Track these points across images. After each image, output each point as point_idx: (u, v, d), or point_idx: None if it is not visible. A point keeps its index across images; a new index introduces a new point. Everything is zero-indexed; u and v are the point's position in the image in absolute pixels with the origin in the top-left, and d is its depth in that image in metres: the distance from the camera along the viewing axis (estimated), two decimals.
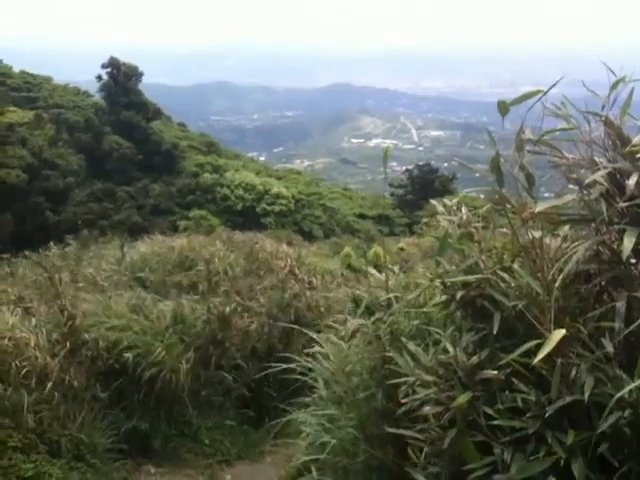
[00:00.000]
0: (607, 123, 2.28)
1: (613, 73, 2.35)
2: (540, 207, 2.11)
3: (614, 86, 2.32)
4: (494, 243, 2.38)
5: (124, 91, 53.52)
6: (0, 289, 7.34)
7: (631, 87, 2.35)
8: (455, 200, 2.58)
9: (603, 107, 2.32)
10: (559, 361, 1.98)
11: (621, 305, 2.08)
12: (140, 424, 6.20)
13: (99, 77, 54.38)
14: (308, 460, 4.09)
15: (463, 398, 1.99)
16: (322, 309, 7.65)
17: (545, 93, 2.18)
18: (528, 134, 2.31)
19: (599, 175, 2.15)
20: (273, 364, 7.07)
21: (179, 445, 6.41)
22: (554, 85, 2.22)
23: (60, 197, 44.36)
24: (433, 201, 2.63)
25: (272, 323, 7.32)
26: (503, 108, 2.15)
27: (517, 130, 2.30)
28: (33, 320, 6.19)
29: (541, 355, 1.85)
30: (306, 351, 4.50)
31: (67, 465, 5.63)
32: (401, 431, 2.35)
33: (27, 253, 10.84)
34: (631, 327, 2.00)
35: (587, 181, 2.14)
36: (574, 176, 2.25)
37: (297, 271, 8.75)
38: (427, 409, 2.10)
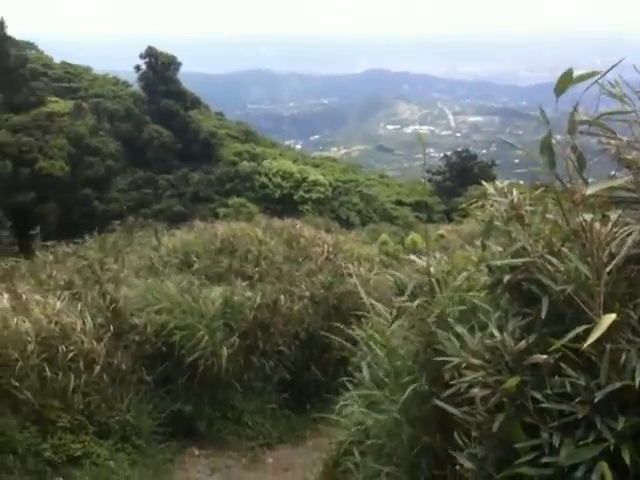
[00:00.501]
0: None
1: None
2: (592, 189, 2.08)
3: None
4: (543, 227, 2.35)
5: (162, 80, 54.13)
6: (47, 275, 7.54)
7: None
8: (506, 182, 2.56)
9: None
10: (608, 346, 1.96)
11: None
12: (185, 407, 6.34)
13: (137, 67, 55.08)
14: (350, 443, 4.14)
15: (512, 381, 2.00)
16: (361, 295, 7.65)
17: (604, 75, 2.14)
18: (581, 115, 2.27)
19: None
20: (314, 349, 7.21)
21: (222, 428, 6.53)
22: (614, 67, 2.17)
23: (102, 183, 45.17)
24: (485, 183, 2.60)
25: (314, 309, 7.38)
26: (561, 87, 2.10)
27: (570, 111, 2.26)
28: (79, 305, 6.36)
29: (591, 340, 1.84)
30: (347, 338, 4.53)
31: (114, 446, 5.80)
32: (448, 407, 2.35)
33: (73, 241, 11.13)
34: None
35: None
36: (627, 157, 2.21)
37: (335, 257, 8.77)
38: (475, 391, 2.10)
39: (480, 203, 2.65)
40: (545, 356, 2.03)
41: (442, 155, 64.95)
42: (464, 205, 2.83)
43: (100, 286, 6.79)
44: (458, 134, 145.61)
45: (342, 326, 5.22)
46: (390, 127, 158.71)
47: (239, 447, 6.43)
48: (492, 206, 2.47)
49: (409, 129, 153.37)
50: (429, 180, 57.68)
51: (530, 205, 2.38)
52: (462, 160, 58.31)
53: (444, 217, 42.07)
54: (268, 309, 7.05)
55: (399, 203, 54.25)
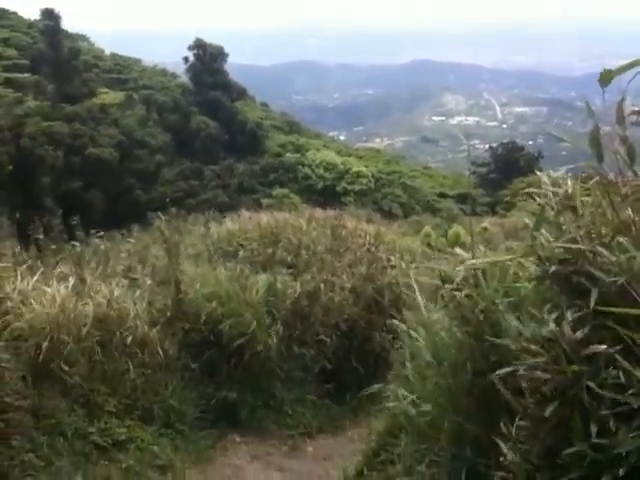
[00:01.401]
0: None
1: None
2: None
3: None
4: (594, 219, 2.31)
5: (210, 72, 54.81)
6: (106, 261, 7.72)
7: None
8: (561, 172, 2.50)
9: None
10: None
11: None
12: (228, 395, 6.42)
13: (186, 59, 55.86)
14: (390, 434, 4.14)
15: (575, 367, 1.99)
16: (402, 287, 7.63)
17: None
18: (628, 105, 2.22)
19: None
20: (355, 340, 7.22)
21: (264, 416, 6.59)
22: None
23: (150, 177, 46.08)
24: (538, 172, 2.56)
25: (355, 300, 7.39)
26: (606, 78, 2.06)
27: (617, 102, 2.20)
28: (138, 291, 6.51)
29: None
30: (389, 329, 4.51)
31: (157, 431, 5.90)
32: (503, 390, 2.33)
33: (120, 230, 11.40)
34: None
35: None
36: None
37: (376, 249, 8.74)
38: (537, 373, 2.08)
39: (527, 195, 2.60)
40: (604, 346, 2.01)
41: (487, 147, 64.02)
42: (510, 198, 2.79)
43: (158, 273, 6.92)
44: (504, 125, 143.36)
45: (383, 317, 5.22)
46: (435, 118, 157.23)
47: (280, 435, 6.48)
48: (543, 197, 2.43)
49: (454, 120, 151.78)
50: (473, 172, 56.95)
51: (587, 196, 2.33)
52: (508, 152, 57.34)
53: (488, 210, 41.53)
54: (309, 298, 7.08)
55: (442, 195, 53.80)
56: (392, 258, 8.67)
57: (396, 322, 4.03)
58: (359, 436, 5.85)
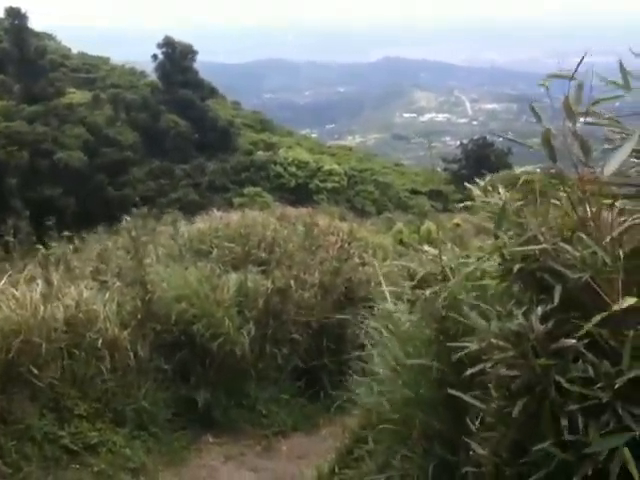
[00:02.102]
0: None
1: None
2: (610, 167, 2.04)
3: None
4: (551, 217, 2.35)
5: (179, 70, 54.34)
6: (74, 264, 7.63)
7: None
8: (489, 182, 2.58)
9: None
10: (631, 333, 1.96)
11: None
12: (200, 395, 6.38)
13: (155, 56, 55.31)
14: (363, 431, 4.16)
15: (544, 361, 2.01)
16: (374, 284, 7.67)
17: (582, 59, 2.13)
18: (576, 101, 2.25)
19: None
20: (327, 338, 7.23)
21: (237, 416, 6.57)
22: (584, 56, 2.16)
23: (118, 172, 45.54)
24: (469, 185, 2.65)
25: (325, 297, 7.40)
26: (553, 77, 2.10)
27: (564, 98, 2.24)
28: (107, 293, 6.44)
29: (619, 305, 1.82)
30: (360, 326, 4.54)
31: (130, 434, 5.86)
32: (462, 395, 2.36)
33: (91, 230, 11.27)
34: None
35: None
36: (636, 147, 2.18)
37: (349, 246, 8.77)
38: (503, 370, 2.11)
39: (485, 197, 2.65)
40: (573, 341, 2.04)
41: (458, 143, 64.60)
42: (468, 203, 2.84)
43: (127, 274, 6.85)
44: (475, 122, 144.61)
45: (354, 314, 5.24)
46: (406, 115, 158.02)
47: (254, 435, 6.47)
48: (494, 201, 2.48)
49: (425, 117, 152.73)
50: (445, 169, 57.43)
51: (540, 195, 2.36)
52: (478, 148, 57.98)
53: (458, 206, 41.82)
54: (280, 296, 7.07)
55: (414, 192, 54.15)
56: (365, 255, 8.71)
57: (367, 319, 4.05)
58: (333, 434, 5.85)
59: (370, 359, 3.80)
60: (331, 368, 7.08)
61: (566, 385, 1.98)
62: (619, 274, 2.03)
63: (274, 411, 6.73)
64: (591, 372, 2.01)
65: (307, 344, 7.11)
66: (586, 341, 2.06)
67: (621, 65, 2.26)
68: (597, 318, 1.95)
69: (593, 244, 2.08)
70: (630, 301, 1.88)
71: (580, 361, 2.07)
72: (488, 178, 2.72)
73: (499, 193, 2.57)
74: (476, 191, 2.66)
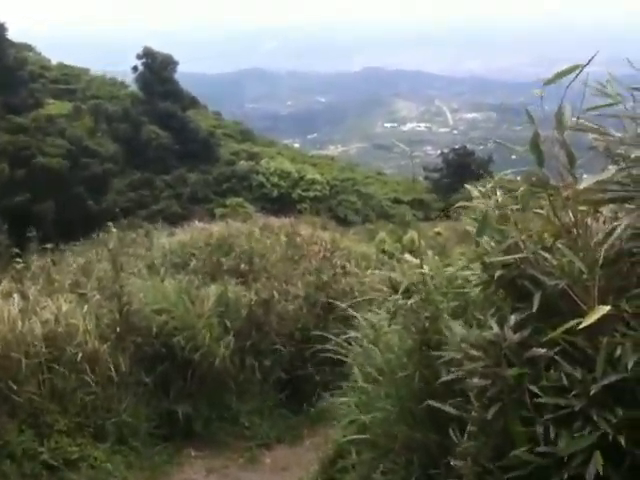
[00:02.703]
0: None
1: None
2: (585, 183, 2.07)
3: None
4: (533, 224, 2.35)
5: (160, 81, 54.09)
6: (53, 277, 7.55)
7: None
8: (490, 185, 2.56)
9: None
10: (604, 340, 1.96)
11: None
12: (182, 408, 6.32)
13: (135, 68, 55.05)
14: (346, 442, 4.13)
15: (515, 371, 2.01)
16: (357, 293, 7.66)
17: (582, 68, 2.12)
18: (568, 111, 2.26)
19: None
20: (310, 349, 7.19)
21: (219, 429, 6.52)
22: (590, 61, 2.15)
23: (100, 185, 45.16)
24: (468, 186, 2.62)
25: (308, 308, 7.38)
26: (547, 83, 2.10)
27: (557, 108, 2.25)
28: (86, 306, 6.35)
29: (585, 323, 1.83)
30: (343, 337, 4.52)
31: (111, 448, 5.79)
32: (441, 405, 2.35)
33: (71, 243, 11.16)
34: None
35: (633, 156, 2.08)
36: (619, 152, 2.19)
37: (332, 256, 8.76)
38: (475, 381, 2.10)
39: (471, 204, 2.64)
40: (544, 350, 2.04)
41: (439, 152, 65.01)
42: (458, 205, 2.82)
43: (106, 287, 6.78)
44: (455, 131, 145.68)
45: (337, 325, 5.22)
46: (387, 125, 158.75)
47: (236, 448, 6.42)
48: (482, 206, 2.48)
49: (406, 127, 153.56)
50: (426, 178, 57.76)
51: (521, 202, 2.37)
52: (459, 157, 58.35)
53: (442, 214, 42.07)
54: (263, 308, 7.04)
55: (397, 201, 54.27)
56: (347, 265, 8.70)
57: (350, 330, 4.04)
58: (317, 445, 5.83)
59: (352, 370, 3.79)
60: (315, 378, 7.03)
61: (539, 394, 1.98)
62: (595, 281, 2.03)
63: (257, 423, 6.68)
64: (565, 380, 2.02)
65: (290, 355, 7.07)
66: (559, 349, 2.07)
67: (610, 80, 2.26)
68: (566, 326, 1.95)
69: (570, 253, 2.09)
70: (603, 309, 1.88)
71: (552, 370, 2.08)
72: (488, 181, 2.70)
73: (496, 195, 2.55)
74: (475, 192, 2.64)
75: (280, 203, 46.01)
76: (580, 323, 1.90)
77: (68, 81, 57.31)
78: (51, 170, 42.03)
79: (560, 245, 2.15)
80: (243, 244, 8.71)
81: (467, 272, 2.62)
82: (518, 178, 2.55)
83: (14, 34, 52.37)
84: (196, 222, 11.58)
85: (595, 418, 1.90)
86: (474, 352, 2.11)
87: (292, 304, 7.28)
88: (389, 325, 3.10)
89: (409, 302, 2.87)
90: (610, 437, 1.86)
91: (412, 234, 18.35)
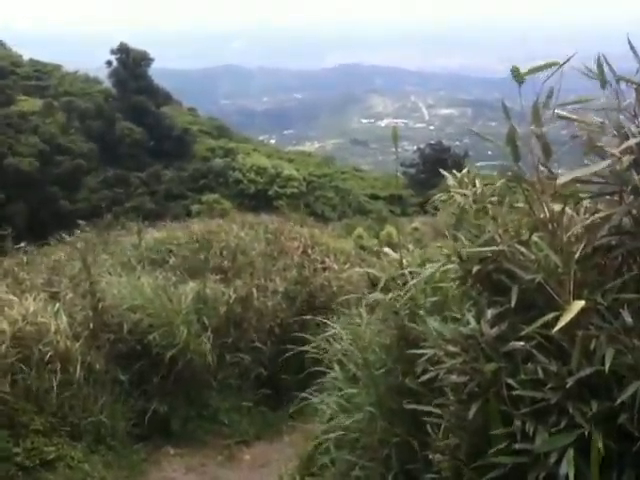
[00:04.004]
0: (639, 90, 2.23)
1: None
2: (564, 178, 2.08)
3: None
4: (511, 218, 2.36)
5: (134, 77, 53.51)
6: (24, 276, 7.44)
7: None
8: (469, 174, 2.57)
9: (637, 72, 2.27)
10: (580, 333, 1.98)
11: None
12: (159, 406, 6.27)
13: (109, 63, 54.40)
14: (325, 438, 4.13)
15: (491, 366, 2.02)
16: (335, 289, 7.67)
17: (562, 65, 2.15)
18: (545, 105, 2.27)
19: (634, 142, 2.10)
20: (289, 345, 7.18)
21: (198, 426, 6.47)
22: (571, 57, 2.17)
23: (72, 182, 44.56)
24: (445, 173, 2.63)
25: (287, 304, 7.36)
26: (519, 75, 2.12)
27: (534, 102, 2.26)
28: (57, 305, 6.26)
29: (560, 325, 1.85)
30: (321, 336, 4.52)
31: (88, 448, 5.72)
32: (418, 406, 2.36)
33: (44, 241, 10.99)
34: None
35: (620, 148, 2.10)
36: (599, 144, 2.21)
37: (310, 252, 8.75)
38: (453, 377, 2.11)
39: (448, 195, 2.65)
40: (521, 343, 2.05)
41: (416, 148, 65.32)
42: (437, 197, 2.83)
43: (79, 285, 6.70)
44: (431, 127, 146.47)
45: (317, 320, 5.22)
46: (364, 121, 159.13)
47: (215, 445, 6.38)
48: (459, 198, 2.48)
49: (383, 122, 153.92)
50: (403, 173, 58.01)
51: (498, 196, 2.38)
52: (435, 152, 58.77)
53: (419, 210, 42.26)
54: (241, 304, 7.01)
55: (374, 197, 54.46)
56: (327, 260, 8.70)
57: (329, 326, 4.04)
58: (296, 441, 5.82)
59: (332, 366, 3.79)
60: (294, 374, 7.03)
61: (516, 387, 2.00)
62: (570, 275, 2.05)
63: (236, 420, 6.65)
64: (541, 373, 2.03)
65: (270, 351, 7.05)
66: (535, 342, 2.08)
67: (599, 60, 2.27)
68: (542, 320, 1.97)
69: (545, 247, 2.10)
70: (578, 305, 1.90)
71: (529, 363, 2.09)
72: (466, 170, 2.71)
73: (475, 186, 2.56)
74: (452, 182, 2.65)
75: (257, 199, 45.93)
76: (556, 317, 1.92)
77: (40, 77, 56.46)
78: (23, 171, 41.37)
79: (536, 239, 2.16)
80: (222, 240, 8.66)
81: (445, 267, 2.63)
82: (495, 173, 2.57)
83: None
84: (171, 219, 11.49)
85: (571, 411, 1.92)
86: (451, 348, 2.11)
87: (271, 300, 7.26)
88: (367, 321, 3.10)
89: (387, 297, 2.88)
90: (586, 433, 1.87)
91: (389, 229, 18.44)
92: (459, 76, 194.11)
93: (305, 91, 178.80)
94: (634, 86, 2.23)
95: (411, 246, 3.52)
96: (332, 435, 3.70)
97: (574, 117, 2.23)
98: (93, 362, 5.99)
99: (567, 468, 1.83)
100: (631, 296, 2.10)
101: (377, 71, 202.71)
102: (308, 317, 7.27)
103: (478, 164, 2.55)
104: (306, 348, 7.00)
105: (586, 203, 2.37)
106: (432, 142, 63.95)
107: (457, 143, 79.91)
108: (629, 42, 2.30)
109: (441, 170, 2.70)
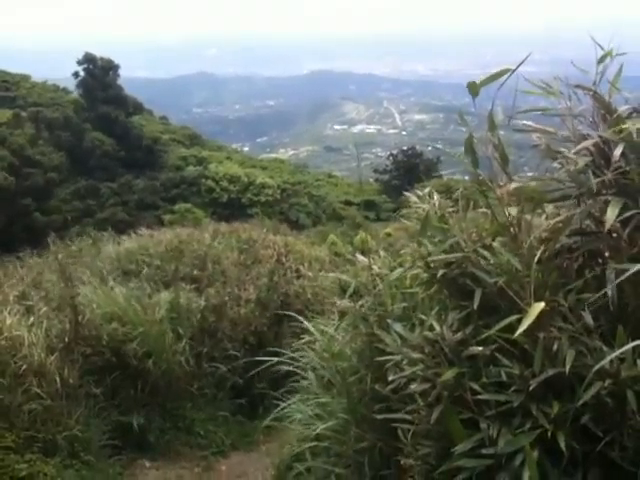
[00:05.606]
0: (595, 97, 2.28)
1: (601, 47, 2.34)
2: (515, 184, 2.14)
3: (601, 60, 2.31)
4: (474, 223, 2.41)
5: (102, 86, 52.87)
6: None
7: (620, 63, 2.36)
8: (427, 189, 2.63)
9: (594, 83, 2.32)
10: (542, 335, 2.01)
11: (610, 272, 2.08)
12: (134, 419, 6.20)
13: (76, 74, 53.69)
14: (301, 447, 4.13)
15: (450, 374, 2.03)
16: (309, 296, 7.68)
17: (513, 71, 2.20)
18: (501, 113, 2.34)
19: (588, 144, 2.15)
20: (264, 354, 7.16)
21: (174, 438, 6.42)
22: (522, 63, 2.22)
23: (43, 195, 43.91)
24: (407, 193, 2.70)
25: (261, 312, 7.36)
26: (474, 89, 2.18)
27: (488, 111, 2.31)
28: (32, 318, 6.16)
29: (522, 328, 1.89)
30: (295, 344, 4.52)
31: (61, 463, 5.61)
32: (387, 415, 2.38)
33: (16, 254, 10.84)
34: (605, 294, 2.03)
35: (574, 150, 2.15)
36: (559, 150, 2.26)
37: (284, 259, 8.76)
38: (414, 387, 2.13)
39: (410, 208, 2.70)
40: (481, 347, 2.08)
41: (388, 154, 65.68)
42: (404, 211, 2.89)
43: (54, 298, 6.61)
44: (404, 132, 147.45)
45: (290, 328, 5.22)
46: (337, 127, 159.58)
47: (191, 457, 6.33)
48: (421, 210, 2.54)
49: (356, 129, 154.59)
50: (376, 179, 58.29)
51: (461, 199, 2.43)
52: (408, 158, 59.19)
53: (392, 215, 42.46)
54: (215, 313, 6.99)
55: (348, 203, 54.56)
56: (301, 268, 8.71)
57: (303, 335, 4.04)
58: (272, 450, 5.81)
59: (307, 374, 3.79)
60: (270, 383, 7.01)
61: (480, 391, 2.02)
62: (531, 278, 2.09)
63: (212, 431, 6.61)
64: (504, 376, 2.06)
65: (245, 360, 7.02)
66: (498, 345, 2.11)
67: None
68: (503, 323, 2.00)
69: (504, 250, 2.14)
70: (538, 307, 1.93)
71: (492, 366, 2.11)
72: (423, 186, 2.77)
73: (434, 199, 2.62)
74: (413, 198, 2.71)
75: (231, 208, 45.71)
76: (519, 320, 1.95)
77: (8, 88, 55.62)
78: None
79: (496, 243, 2.20)
80: (194, 250, 8.62)
81: (410, 271, 2.66)
82: (466, 177, 2.62)
83: None
84: (143, 229, 11.38)
85: (534, 413, 1.95)
86: (414, 355, 2.14)
87: (244, 308, 7.25)
88: (336, 329, 3.12)
89: (357, 304, 2.90)
90: (549, 434, 1.91)
91: (363, 235, 18.49)
92: (431, 82, 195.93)
93: (278, 98, 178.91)
94: (590, 93, 2.29)
95: (382, 252, 3.55)
96: (308, 444, 3.71)
97: (530, 127, 2.28)
98: (67, 375, 5.91)
99: (528, 472, 1.85)
100: (592, 295, 2.14)
101: (350, 78, 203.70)
102: (282, 325, 7.30)
103: (443, 172, 2.61)
104: (280, 359, 7.05)
105: (551, 207, 2.41)
106: (404, 148, 64.36)
107: (429, 148, 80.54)
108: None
109: (405, 193, 2.76)
